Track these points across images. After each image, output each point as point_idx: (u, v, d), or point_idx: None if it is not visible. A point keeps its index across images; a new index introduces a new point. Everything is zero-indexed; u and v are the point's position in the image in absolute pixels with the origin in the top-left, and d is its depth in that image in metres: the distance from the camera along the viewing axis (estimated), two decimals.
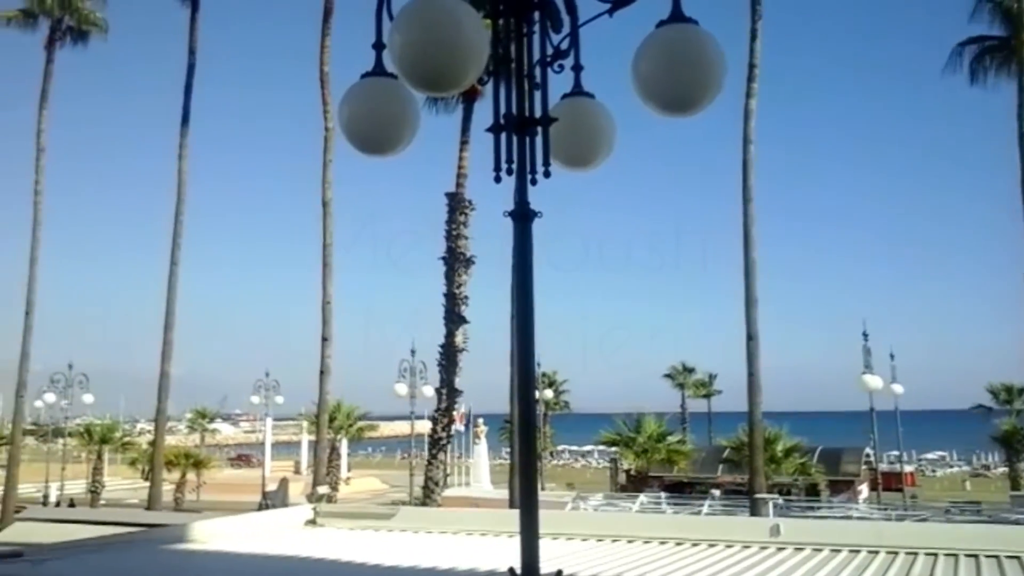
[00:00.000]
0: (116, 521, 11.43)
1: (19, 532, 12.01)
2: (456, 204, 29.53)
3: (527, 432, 3.48)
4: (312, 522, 8.36)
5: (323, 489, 26.77)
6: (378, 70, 3.78)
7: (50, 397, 44.30)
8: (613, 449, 45.60)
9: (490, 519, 8.58)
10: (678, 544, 7.61)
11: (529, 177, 3.56)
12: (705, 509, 28.81)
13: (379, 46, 3.79)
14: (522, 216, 3.51)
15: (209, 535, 7.13)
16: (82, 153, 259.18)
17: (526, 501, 3.33)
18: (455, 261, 28.82)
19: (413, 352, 35.50)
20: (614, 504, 30.96)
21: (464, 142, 29.91)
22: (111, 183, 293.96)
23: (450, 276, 28.71)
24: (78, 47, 38.16)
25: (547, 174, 3.67)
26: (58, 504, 47.56)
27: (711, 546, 7.51)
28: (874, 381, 30.14)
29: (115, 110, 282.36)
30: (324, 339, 29.14)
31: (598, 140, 3.95)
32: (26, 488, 42.44)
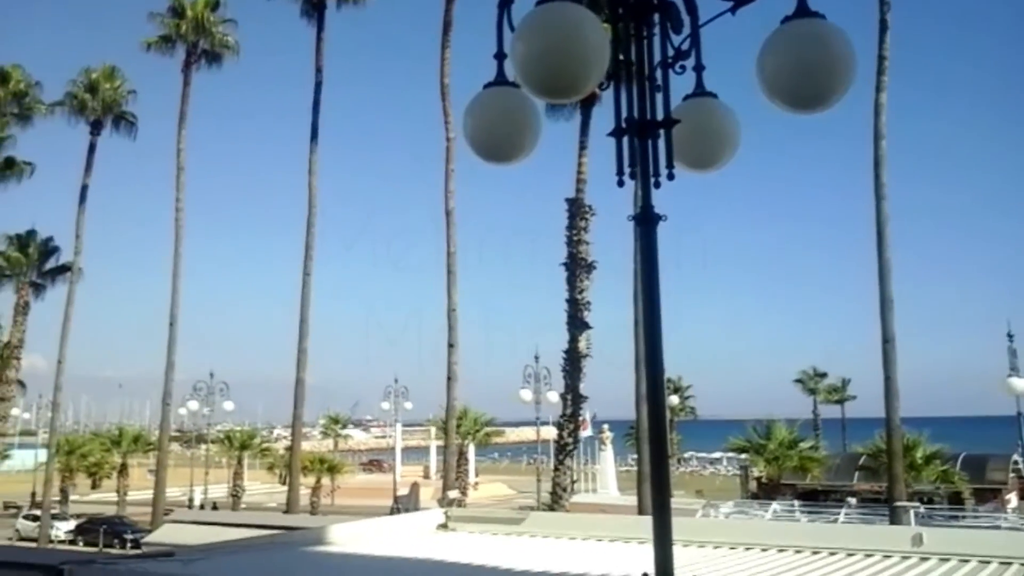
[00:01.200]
0: (257, 524, 11.90)
1: (169, 533, 12.67)
2: (576, 210, 29.52)
3: (658, 438, 3.45)
4: (444, 526, 8.51)
5: (454, 494, 27.17)
6: (500, 80, 3.83)
7: (193, 405, 46.45)
8: (743, 456, 44.56)
9: (620, 525, 8.53)
10: (815, 553, 7.39)
11: (652, 180, 3.53)
12: (841, 518, 27.80)
13: (500, 56, 3.83)
14: (646, 220, 3.48)
15: (346, 538, 7.35)
16: (219, 169, 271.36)
17: (659, 507, 3.30)
18: (576, 267, 28.80)
19: (537, 358, 35.67)
20: (746, 512, 30.25)
21: (583, 147, 29.88)
22: (248, 197, 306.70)
23: (572, 281, 28.70)
24: (212, 69, 40.01)
25: (671, 177, 3.63)
26: (202, 507, 49.87)
27: (849, 555, 7.26)
28: (1021, 384, 28.47)
29: (247, 128, 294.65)
30: (450, 345, 29.58)
31: (722, 140, 3.89)
32: (172, 492, 44.61)
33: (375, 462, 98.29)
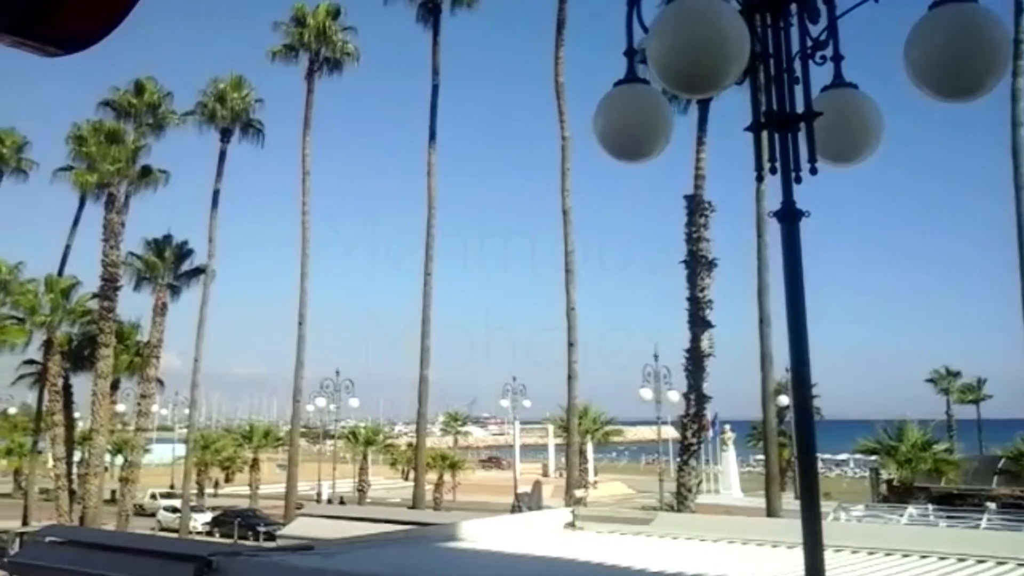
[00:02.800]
0: (386, 519, 12.17)
1: (302, 526, 13.08)
2: (695, 206, 29.09)
3: (806, 442, 3.35)
4: (571, 525, 8.51)
5: (580, 492, 27.20)
6: (630, 77, 3.81)
7: (320, 401, 47.90)
8: (872, 458, 43.01)
9: (751, 527, 8.36)
10: (960, 560, 7.05)
11: (793, 175, 3.45)
12: (983, 523, 26.49)
13: (630, 53, 3.80)
14: (789, 216, 3.41)
15: (477, 534, 7.44)
16: (341, 172, 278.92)
17: (808, 510, 3.22)
18: (697, 264, 28.37)
19: (656, 357, 35.39)
20: (879, 516, 29.15)
21: (700, 143, 29.43)
22: (369, 199, 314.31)
23: (692, 280, 28.29)
24: (333, 76, 41.16)
25: (813, 171, 3.55)
26: (330, 501, 51.39)
27: (1000, 564, 6.89)
28: None
29: (365, 131, 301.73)
30: (570, 344, 29.59)
31: (865, 133, 3.77)
32: (300, 486, 46.09)
33: (494, 459, 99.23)
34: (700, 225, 28.83)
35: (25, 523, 36.91)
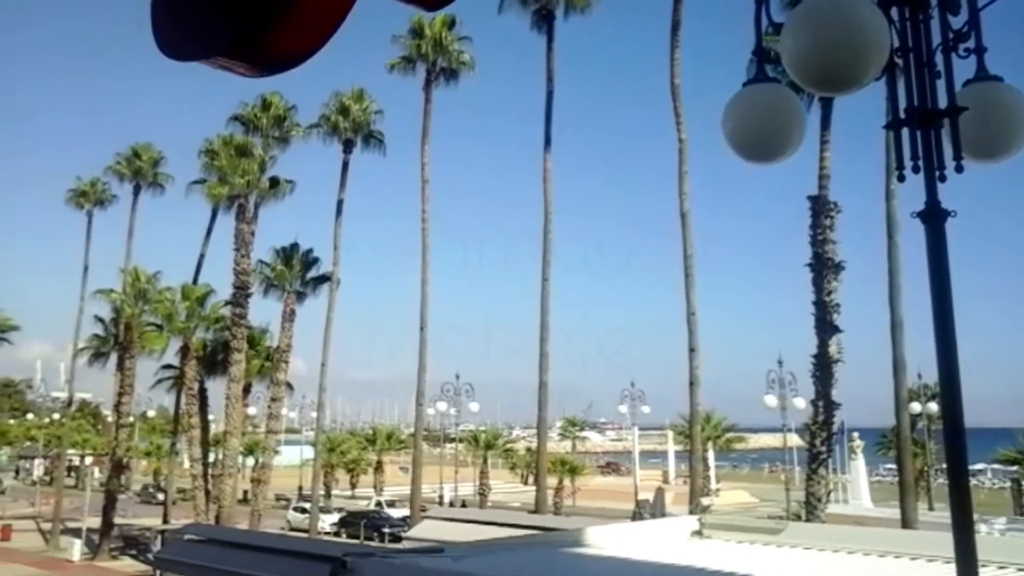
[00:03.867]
0: (510, 523, 12.24)
1: (428, 529, 13.29)
2: (820, 207, 28.20)
3: (956, 449, 3.22)
4: (699, 533, 8.38)
5: (707, 500, 26.74)
6: (760, 76, 3.75)
7: (442, 405, 48.63)
8: (1013, 468, 40.90)
9: (888, 539, 8.04)
10: None
11: (937, 174, 3.33)
12: None
13: (759, 52, 3.74)
14: (933, 216, 3.29)
15: (603, 540, 7.41)
16: (459, 179, 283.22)
17: (960, 524, 3.09)
18: (823, 267, 27.48)
19: (780, 363, 34.54)
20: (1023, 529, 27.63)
21: (824, 141, 28.55)
22: (487, 205, 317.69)
23: (818, 283, 27.41)
24: (450, 85, 41.78)
25: (959, 169, 3.42)
26: (451, 504, 52.14)
27: None
28: None
29: (482, 139, 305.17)
30: (691, 349, 29.12)
31: (1012, 127, 3.61)
32: (423, 489, 46.93)
33: (612, 465, 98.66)
34: (826, 227, 27.92)
35: (165, 521, 38.80)
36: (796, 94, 3.90)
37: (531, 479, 65.35)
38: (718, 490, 53.05)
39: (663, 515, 31.39)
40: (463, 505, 51.52)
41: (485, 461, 55.81)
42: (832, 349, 26.54)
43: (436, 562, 6.09)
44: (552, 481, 48.85)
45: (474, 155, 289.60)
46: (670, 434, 63.02)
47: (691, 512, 21.35)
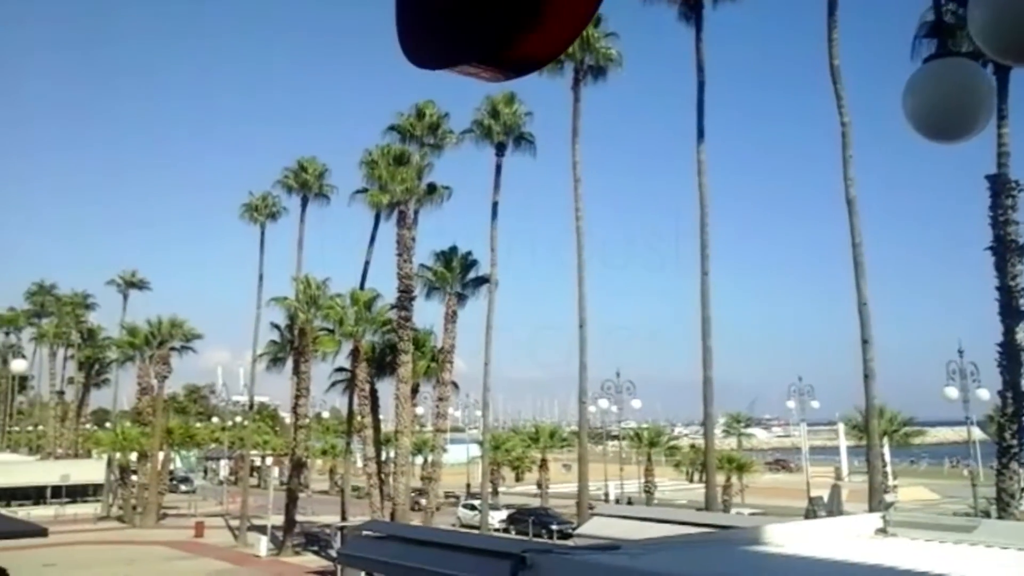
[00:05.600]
0: (681, 520, 12.10)
1: (598, 526, 13.31)
2: (1000, 187, 26.47)
3: None
4: (882, 531, 8.01)
5: (890, 497, 25.60)
6: (944, 51, 3.57)
7: (603, 403, 48.64)
8: None
9: None
10: None
11: None
12: None
13: (940, 25, 3.56)
14: None
15: (782, 538, 7.20)
16: (611, 175, 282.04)
17: None
18: (1005, 250, 25.78)
19: (961, 352, 32.67)
20: None
21: (1002, 116, 26.75)
22: (639, 200, 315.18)
23: (1001, 267, 25.74)
24: (598, 83, 41.62)
25: None
26: (617, 501, 51.99)
27: None
28: None
29: (633, 134, 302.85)
30: (864, 341, 27.87)
31: None
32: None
33: (781, 461, 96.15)
34: (1007, 207, 26.19)
35: (344, 518, 40.50)
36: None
37: (697, 476, 64.41)
38: (895, 486, 50.63)
39: (840, 513, 30.15)
40: (629, 502, 51.28)
41: (649, 458, 55.37)
42: (1021, 336, 24.84)
43: (614, 559, 6.06)
44: (719, 479, 47.94)
45: (624, 151, 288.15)
46: (841, 428, 60.59)
47: (872, 509, 20.48)
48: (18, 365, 39.14)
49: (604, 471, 53.38)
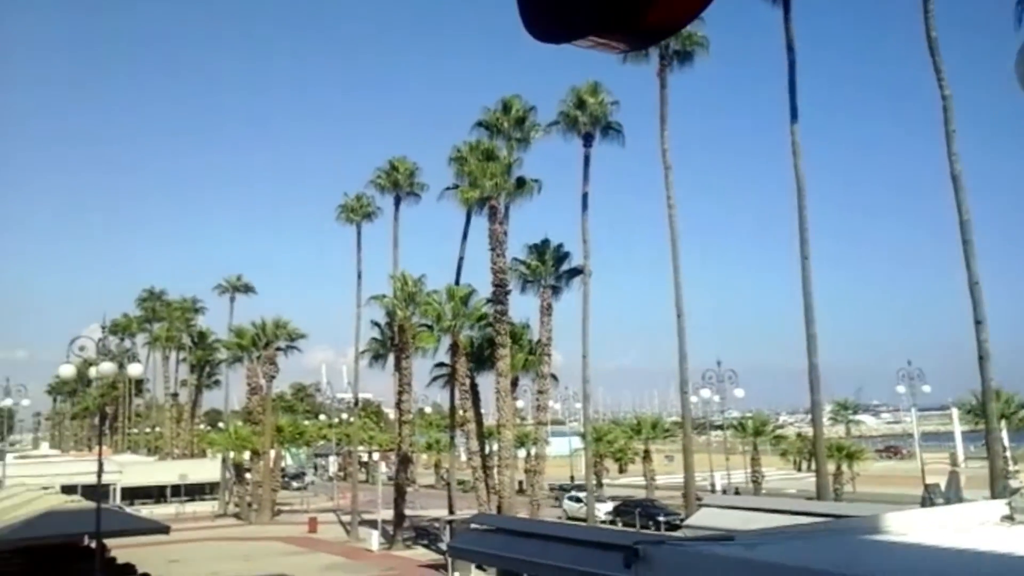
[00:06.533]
0: (794, 510, 11.90)
1: (707, 517, 13.20)
2: None
3: None
4: (1009, 518, 7.72)
5: (1016, 483, 24.59)
6: None
7: (705, 392, 48.00)
8: None
9: None
10: None
11: None
12: None
13: None
14: None
15: (900, 527, 7.01)
16: (700, 161, 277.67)
17: None
18: None
19: None
20: None
21: None
22: (730, 187, 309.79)
23: None
24: (685, 68, 40.97)
25: None
26: (724, 491, 51.30)
27: None
28: None
29: (720, 118, 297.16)
30: (977, 322, 26.78)
31: None
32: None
33: (892, 448, 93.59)
34: None
35: (451, 512, 41.04)
36: None
37: (805, 465, 63.01)
38: (1017, 471, 48.59)
39: (959, 500, 29.06)
40: (736, 492, 50.56)
41: (755, 448, 54.42)
42: None
43: (729, 550, 6.01)
44: (830, 467, 46.81)
45: (714, 136, 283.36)
46: (955, 413, 58.42)
47: (994, 496, 19.70)
48: (134, 369, 40.67)
49: (709, 461, 52.68)
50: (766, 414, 74.87)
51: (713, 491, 51.07)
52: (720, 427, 59.81)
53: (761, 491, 50.38)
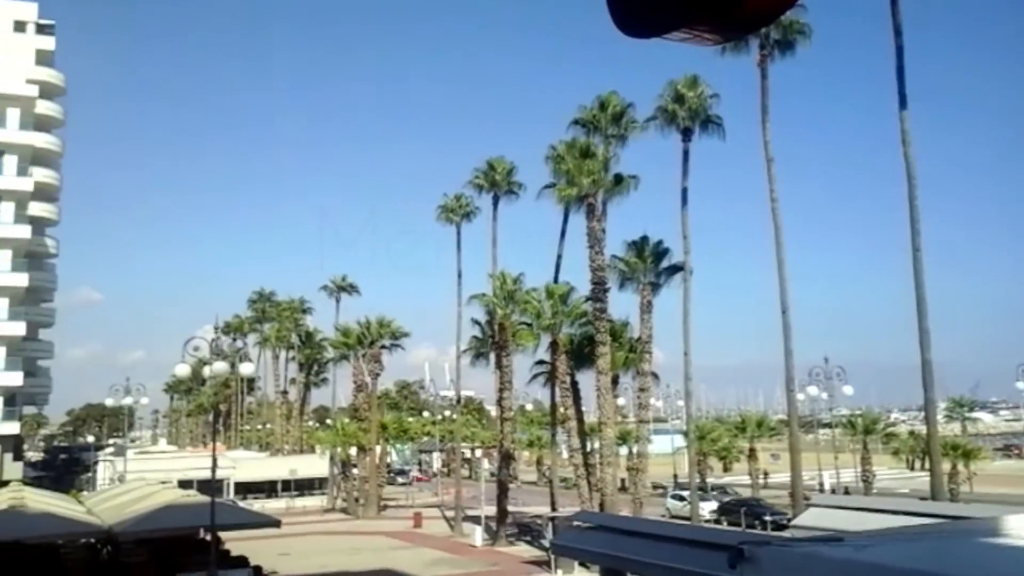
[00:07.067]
0: (908, 511, 11.48)
1: (816, 517, 12.84)
2: None
3: None
4: None
5: None
6: None
7: (812, 390, 46.86)
8: None
9: None
10: None
11: None
12: None
13: None
14: None
15: None
16: (805, 155, 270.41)
17: None
18: None
19: None
20: None
21: None
22: (835, 177, 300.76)
23: None
24: (787, 57, 39.90)
25: None
26: (833, 491, 49.97)
27: None
28: None
29: (823, 107, 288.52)
30: None
31: None
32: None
33: (1013, 447, 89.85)
34: None
35: (554, 509, 41.12)
36: None
37: (918, 464, 60.77)
38: None
39: None
40: (846, 492, 49.20)
41: (865, 447, 52.82)
42: None
43: (838, 551, 5.83)
44: (945, 466, 45.04)
45: (817, 125, 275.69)
46: None
47: None
48: (246, 368, 42.09)
49: (817, 460, 51.41)
50: (876, 411, 72.57)
51: (822, 490, 49.79)
52: (828, 425, 58.24)
53: (872, 491, 48.85)
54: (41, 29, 68.76)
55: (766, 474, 56.63)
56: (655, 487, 59.39)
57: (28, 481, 54.81)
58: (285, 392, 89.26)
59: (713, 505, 47.75)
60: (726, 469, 73.10)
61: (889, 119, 34.64)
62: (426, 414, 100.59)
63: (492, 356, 50.08)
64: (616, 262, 43.36)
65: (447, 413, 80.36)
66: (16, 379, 58.38)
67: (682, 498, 48.36)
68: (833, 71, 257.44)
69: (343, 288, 77.34)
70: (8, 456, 57.81)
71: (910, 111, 33.92)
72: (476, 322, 51.66)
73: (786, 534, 17.53)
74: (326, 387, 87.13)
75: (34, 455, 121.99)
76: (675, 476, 64.32)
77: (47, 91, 66.63)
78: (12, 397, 59.71)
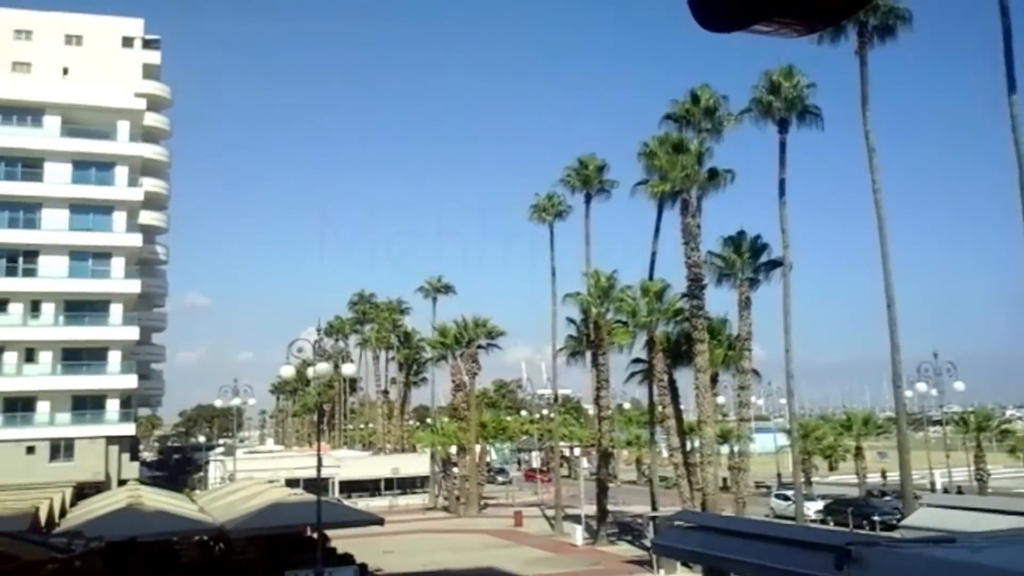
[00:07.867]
0: (1021, 511, 11.04)
1: (927, 517, 12.46)
2: None
3: None
4: None
5: None
6: None
7: (921, 386, 45.31)
8: None
9: None
10: None
11: None
12: None
13: None
14: None
15: None
16: (910, 143, 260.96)
17: None
18: None
19: None
20: None
21: None
22: (940, 165, 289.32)
23: None
24: (887, 43, 38.56)
25: None
26: (945, 490, 48.21)
27: None
28: None
29: (931, 93, 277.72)
30: None
31: None
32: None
33: None
34: None
35: (654, 508, 40.82)
36: None
37: None
38: None
39: None
40: (959, 492, 47.42)
41: (978, 444, 50.82)
42: None
43: (950, 553, 5.64)
44: None
45: (919, 113, 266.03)
46: None
47: None
48: (348, 369, 43.19)
49: (927, 459, 49.68)
50: (990, 408, 69.68)
51: (933, 490, 48.08)
52: (939, 422, 56.22)
53: (986, 490, 46.99)
54: (147, 44, 71.87)
55: (858, 473, 54.81)
56: (758, 486, 58.38)
57: (144, 480, 57.33)
58: (386, 392, 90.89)
59: (819, 504, 46.66)
60: (832, 468, 71.27)
61: (998, 103, 32.97)
62: (524, 413, 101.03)
63: (588, 355, 50.02)
64: (712, 258, 42.73)
65: (544, 412, 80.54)
66: (131, 382, 60.87)
67: (787, 497, 47.42)
68: (937, 56, 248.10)
69: (439, 289, 78.33)
70: (125, 456, 60.34)
71: (1020, 95, 32.45)
72: (571, 321, 51.68)
73: (896, 535, 17.01)
74: (425, 387, 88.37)
75: (149, 455, 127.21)
76: (779, 475, 63.05)
77: (154, 103, 69.48)
78: (128, 399, 62.31)
